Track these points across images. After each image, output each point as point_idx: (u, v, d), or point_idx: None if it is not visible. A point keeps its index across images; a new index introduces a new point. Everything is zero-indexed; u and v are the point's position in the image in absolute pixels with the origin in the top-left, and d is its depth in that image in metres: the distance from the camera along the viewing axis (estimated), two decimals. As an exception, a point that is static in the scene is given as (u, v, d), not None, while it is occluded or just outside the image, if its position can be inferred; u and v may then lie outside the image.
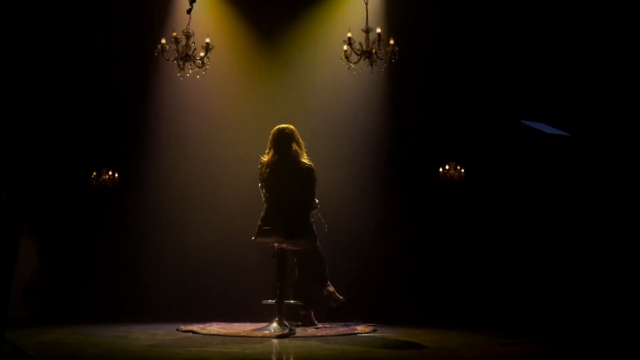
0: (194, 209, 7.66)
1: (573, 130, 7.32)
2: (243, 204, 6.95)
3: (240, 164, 7.21)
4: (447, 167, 8.23)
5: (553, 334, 5.45)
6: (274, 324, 5.53)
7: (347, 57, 6.22)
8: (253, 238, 5.68)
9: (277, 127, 5.83)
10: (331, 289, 6.17)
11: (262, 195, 5.76)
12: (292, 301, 5.88)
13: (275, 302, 5.66)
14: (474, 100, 7.83)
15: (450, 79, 7.84)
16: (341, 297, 6.17)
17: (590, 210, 7.34)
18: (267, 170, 5.71)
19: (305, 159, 5.72)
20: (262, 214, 5.69)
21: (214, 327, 5.78)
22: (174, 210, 7.70)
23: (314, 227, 5.77)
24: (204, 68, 6.33)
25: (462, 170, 8.20)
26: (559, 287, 7.03)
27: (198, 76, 6.35)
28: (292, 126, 5.83)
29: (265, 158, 5.80)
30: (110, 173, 8.38)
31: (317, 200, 5.84)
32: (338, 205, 6.95)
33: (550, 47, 7.66)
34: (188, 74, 6.30)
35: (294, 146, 5.69)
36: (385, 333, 5.66)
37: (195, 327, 5.69)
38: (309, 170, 5.67)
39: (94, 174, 8.27)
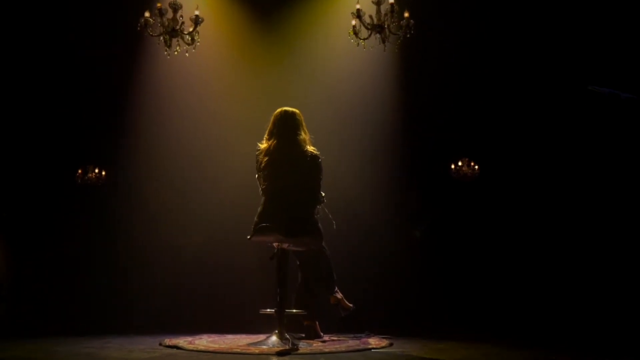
0: (184, 208, 6.97)
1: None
2: (239, 202, 6.25)
3: (236, 160, 6.48)
4: (459, 163, 7.98)
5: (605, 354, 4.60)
6: (273, 337, 4.61)
7: (355, 34, 5.59)
8: (249, 237, 4.79)
9: (280, 109, 5.00)
10: (339, 295, 5.30)
11: (260, 187, 4.90)
12: (294, 310, 5.01)
13: (275, 311, 4.76)
14: (496, 87, 7.30)
15: (470, 60, 7.24)
16: (351, 305, 5.30)
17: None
18: (266, 158, 4.83)
19: (311, 148, 4.88)
20: (259, 208, 4.82)
21: (204, 341, 4.83)
22: (161, 210, 7.04)
23: (319, 224, 4.89)
24: (193, 45, 5.39)
25: (476, 167, 7.92)
26: (594, 293, 6.40)
27: (187, 54, 5.50)
28: (298, 111, 5.00)
29: (263, 145, 4.93)
30: (96, 171, 8.06)
31: (323, 194, 4.99)
32: (347, 201, 6.32)
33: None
34: (176, 52, 5.40)
35: (301, 132, 4.87)
36: (404, 348, 4.76)
37: (182, 341, 4.75)
38: (314, 158, 4.82)
39: (80, 171, 7.93)
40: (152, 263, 6.71)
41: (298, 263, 5.26)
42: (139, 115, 7.06)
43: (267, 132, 4.98)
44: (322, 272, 5.20)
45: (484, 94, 7.37)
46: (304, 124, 4.96)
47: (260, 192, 4.89)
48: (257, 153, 4.92)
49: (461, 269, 6.96)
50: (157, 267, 6.66)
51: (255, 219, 4.78)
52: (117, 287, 6.58)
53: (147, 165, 7.07)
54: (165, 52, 5.49)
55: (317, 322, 5.20)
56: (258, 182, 4.92)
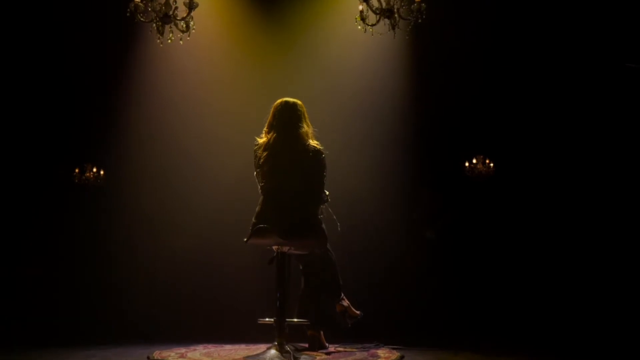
0: (181, 209, 6.57)
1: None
2: (239, 201, 5.74)
3: (237, 156, 5.95)
4: (474, 161, 7.72)
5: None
6: (273, 351, 4.19)
7: (363, 19, 5.06)
8: (245, 239, 4.31)
9: (280, 99, 4.56)
10: (346, 303, 4.83)
11: (258, 185, 4.45)
12: (295, 320, 4.54)
13: (274, 321, 4.28)
14: (515, 78, 6.94)
15: (488, 48, 6.87)
16: (358, 313, 4.84)
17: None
18: (265, 153, 4.38)
19: (314, 142, 4.42)
20: (257, 208, 4.36)
21: (197, 354, 4.40)
22: (157, 211, 6.67)
23: (323, 225, 4.43)
24: (188, 32, 4.92)
25: (492, 164, 7.66)
26: (625, 297, 5.98)
27: (181, 41, 5.09)
28: (300, 102, 4.55)
29: (262, 139, 4.48)
30: (94, 170, 7.85)
31: (327, 192, 4.54)
32: (353, 201, 5.97)
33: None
34: (169, 40, 4.93)
35: (304, 125, 4.43)
36: (416, 360, 4.27)
37: (173, 354, 4.32)
38: (317, 153, 4.37)
39: (77, 170, 7.78)
40: (146, 268, 6.35)
41: (301, 268, 4.81)
42: (132, 112, 6.75)
43: (266, 124, 4.55)
44: (327, 277, 4.74)
45: (502, 86, 6.99)
46: (306, 115, 4.52)
47: (259, 191, 4.44)
48: (255, 148, 4.48)
49: (477, 272, 6.56)
50: (151, 271, 6.31)
51: (253, 219, 4.33)
52: (108, 293, 6.21)
53: (142, 163, 6.77)
54: (158, 40, 5.04)
55: (321, 332, 4.74)
56: (256, 180, 4.48)
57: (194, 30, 5.10)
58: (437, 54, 6.75)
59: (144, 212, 6.65)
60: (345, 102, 6.52)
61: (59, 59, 6.87)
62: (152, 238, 6.54)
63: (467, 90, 6.87)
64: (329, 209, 4.63)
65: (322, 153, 4.38)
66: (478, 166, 7.55)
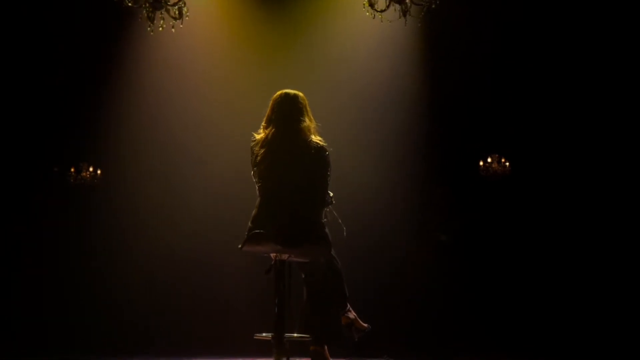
0: (176, 207, 6.43)
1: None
2: (240, 203, 5.25)
3: (237, 155, 5.45)
4: (489, 159, 7.36)
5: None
6: None
7: (371, 5, 4.80)
8: (240, 246, 3.89)
9: (280, 91, 4.17)
10: (352, 315, 4.41)
11: (256, 185, 4.04)
12: (295, 335, 4.10)
13: (272, 337, 3.84)
14: (534, 72, 6.69)
15: (506, 37, 6.60)
16: (366, 326, 4.43)
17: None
18: (262, 150, 3.97)
19: (317, 138, 4.03)
20: (253, 211, 3.95)
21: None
22: (152, 211, 6.46)
23: (327, 230, 4.02)
24: (181, 20, 4.49)
25: (508, 163, 7.31)
26: None
27: (173, 29, 4.76)
28: (301, 94, 4.16)
29: (260, 134, 4.07)
30: (91, 169, 7.54)
31: (331, 194, 4.13)
32: (359, 202, 5.80)
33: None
34: (160, 28, 4.54)
35: (305, 119, 4.04)
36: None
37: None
38: (320, 150, 3.96)
39: (72, 169, 7.47)
40: (143, 268, 6.22)
41: (303, 277, 4.37)
42: (129, 109, 6.59)
43: (264, 118, 4.13)
44: (331, 287, 4.32)
45: (519, 80, 6.76)
46: (308, 109, 4.12)
47: (257, 192, 4.02)
48: (252, 144, 4.07)
49: (494, 279, 6.41)
50: (148, 272, 6.19)
51: (249, 223, 3.91)
52: (104, 296, 6.11)
53: (140, 162, 6.67)
54: (149, 29, 4.67)
55: (325, 347, 4.32)
56: (254, 180, 4.05)
57: (187, 18, 4.77)
58: (451, 45, 6.52)
59: (142, 212, 6.48)
60: (352, 96, 6.32)
61: (51, 56, 6.75)
62: (150, 238, 6.35)
63: (482, 83, 6.67)
64: (334, 212, 4.22)
65: (326, 150, 3.98)
66: (493, 165, 7.22)
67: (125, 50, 6.33)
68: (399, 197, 6.40)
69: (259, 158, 3.95)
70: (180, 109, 6.48)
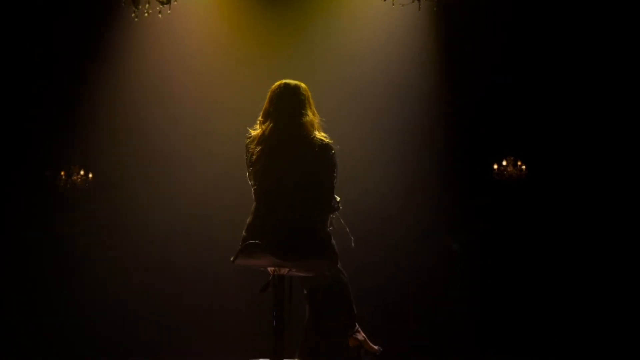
0: (169, 212, 6.11)
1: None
2: (236, 206, 4.89)
3: (233, 156, 4.98)
4: (504, 162, 7.05)
5: None
6: None
7: None
8: (232, 259, 3.34)
9: (279, 82, 3.65)
10: (361, 336, 3.83)
11: (251, 189, 3.51)
12: None
13: None
14: (554, 69, 6.38)
15: (526, 31, 6.25)
16: (376, 348, 3.87)
17: None
18: (259, 147, 3.45)
19: (321, 134, 3.51)
20: (248, 218, 3.42)
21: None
22: (144, 216, 6.19)
23: (333, 240, 3.48)
24: (169, 4, 3.99)
25: (524, 167, 7.01)
26: None
27: (160, 15, 4.41)
28: (304, 84, 3.65)
29: (256, 130, 3.55)
30: (82, 173, 7.23)
31: (338, 198, 3.58)
32: (366, 207, 5.49)
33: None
34: (146, 14, 4.06)
35: (308, 112, 3.52)
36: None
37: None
38: (325, 148, 3.43)
39: (63, 173, 7.17)
40: (133, 276, 6.02)
41: (305, 293, 3.81)
42: (116, 111, 6.36)
43: (261, 112, 3.61)
44: (338, 304, 3.76)
45: (537, 77, 6.47)
46: (311, 101, 3.60)
47: (253, 197, 3.49)
48: (247, 142, 3.55)
49: (510, 288, 6.16)
50: (137, 279, 5.98)
51: (243, 232, 3.39)
52: (94, 303, 5.91)
53: (132, 165, 6.47)
54: (133, 14, 4.16)
55: (331, 373, 3.85)
56: (249, 182, 3.53)
57: (175, 3, 4.16)
58: (467, 38, 6.26)
59: (134, 216, 6.27)
60: (359, 91, 6.04)
61: (40, 59, 6.54)
62: (142, 242, 6.15)
63: (498, 80, 6.40)
64: (340, 219, 3.67)
65: (332, 148, 3.45)
66: (508, 168, 6.93)
67: (116, 51, 6.08)
68: (408, 201, 6.14)
69: (254, 157, 3.44)
70: (173, 110, 6.20)
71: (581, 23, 6.39)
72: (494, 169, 6.95)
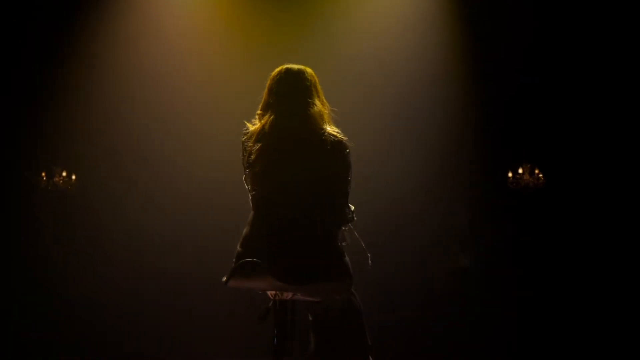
0: (156, 219, 5.87)
1: None
2: (228, 221, 4.58)
3: (225, 155, 4.79)
4: (520, 170, 6.67)
5: None
6: None
7: None
8: (225, 279, 2.75)
9: (281, 67, 3.03)
10: None
11: (249, 194, 2.92)
12: None
13: None
14: (577, 71, 6.03)
15: (550, 31, 5.92)
16: None
17: None
18: (258, 145, 2.84)
19: (333, 129, 2.90)
20: (244, 230, 2.83)
21: None
22: (129, 221, 5.97)
23: (347, 258, 2.85)
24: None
25: (541, 175, 6.63)
26: None
27: None
28: (310, 69, 3.03)
29: (255, 125, 2.94)
30: (64, 174, 6.87)
31: (352, 207, 2.96)
32: (377, 212, 5.14)
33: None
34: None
35: (316, 102, 2.91)
36: None
37: None
38: (338, 145, 2.82)
39: (43, 174, 6.84)
40: (115, 287, 5.77)
41: (311, 319, 3.18)
42: (102, 111, 6.11)
43: (260, 104, 3.00)
44: (349, 334, 3.12)
45: (560, 79, 6.10)
46: (319, 87, 2.97)
47: (251, 204, 2.92)
48: (243, 138, 2.94)
49: (523, 306, 5.77)
50: (123, 286, 5.76)
51: (238, 247, 2.79)
52: (77, 311, 5.69)
53: (117, 168, 6.18)
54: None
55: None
56: (246, 186, 2.93)
57: None
58: (488, 36, 5.88)
59: (119, 220, 6.06)
60: (370, 87, 5.72)
61: (25, 54, 6.28)
62: (127, 247, 5.97)
63: (519, 82, 6.04)
64: (355, 232, 3.04)
65: (347, 146, 2.84)
66: (525, 177, 6.52)
67: (100, 49, 5.87)
68: (416, 212, 5.75)
69: (253, 157, 2.83)
70: (161, 111, 5.94)
71: (604, 29, 6.03)
72: (509, 178, 6.56)
